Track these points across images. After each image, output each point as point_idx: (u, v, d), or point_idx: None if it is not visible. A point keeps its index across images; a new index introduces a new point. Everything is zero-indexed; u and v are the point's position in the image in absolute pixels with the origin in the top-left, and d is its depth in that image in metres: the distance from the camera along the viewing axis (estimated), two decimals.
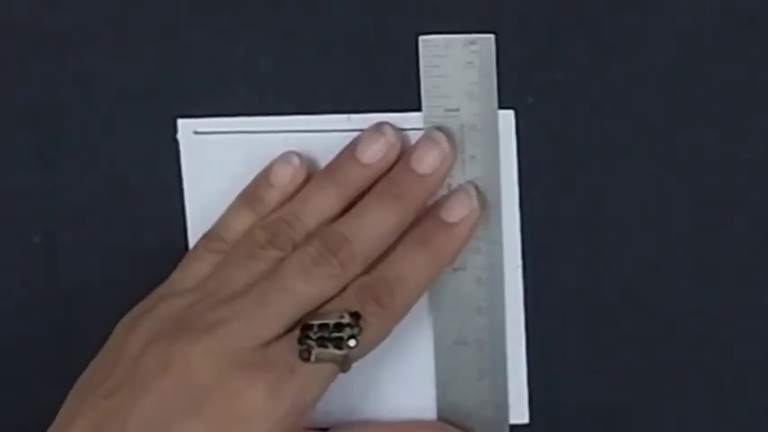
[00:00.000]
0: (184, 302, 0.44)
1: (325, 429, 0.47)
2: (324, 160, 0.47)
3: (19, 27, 0.47)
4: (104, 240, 0.48)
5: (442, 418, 0.48)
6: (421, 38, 0.46)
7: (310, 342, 0.43)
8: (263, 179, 0.47)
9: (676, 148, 0.46)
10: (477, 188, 0.46)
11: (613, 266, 0.47)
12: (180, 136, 0.48)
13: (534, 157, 0.47)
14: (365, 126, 0.47)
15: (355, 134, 0.47)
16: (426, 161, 0.46)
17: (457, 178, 0.47)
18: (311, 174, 0.47)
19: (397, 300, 0.44)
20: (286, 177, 0.47)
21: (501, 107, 0.47)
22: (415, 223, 0.46)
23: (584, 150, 0.47)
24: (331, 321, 0.43)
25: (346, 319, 0.43)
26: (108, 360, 0.44)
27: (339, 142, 0.47)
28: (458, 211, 0.46)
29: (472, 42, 0.46)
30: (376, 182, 0.46)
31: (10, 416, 0.50)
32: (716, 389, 0.48)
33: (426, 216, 0.46)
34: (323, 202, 0.46)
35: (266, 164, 0.47)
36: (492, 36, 0.46)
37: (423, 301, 0.47)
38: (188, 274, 0.46)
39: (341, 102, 0.47)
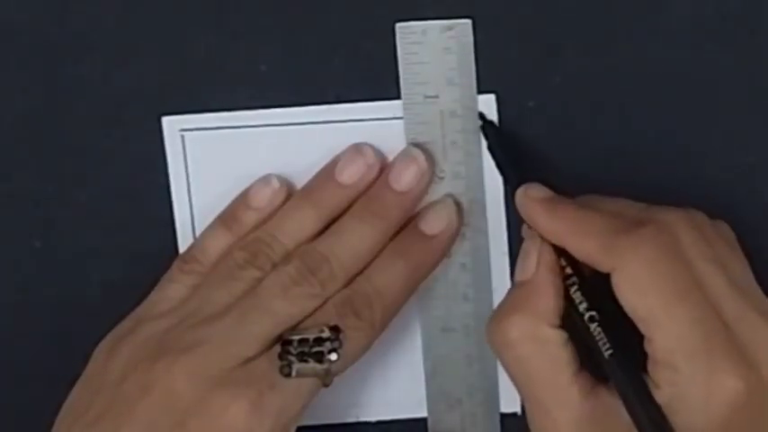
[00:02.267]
0: (163, 325, 0.44)
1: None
2: (306, 152, 0.47)
3: (18, 32, 0.47)
4: (105, 244, 0.48)
5: (431, 406, 0.48)
6: (398, 25, 0.46)
7: (291, 357, 0.42)
8: (241, 201, 0.47)
9: (677, 153, 0.47)
10: (455, 200, 0.46)
11: None
12: (165, 134, 0.47)
13: (533, 159, 0.47)
14: (347, 116, 0.47)
15: (337, 125, 0.47)
16: (404, 179, 0.45)
17: (439, 165, 0.47)
18: (290, 194, 0.47)
19: (377, 313, 0.44)
20: (264, 199, 0.46)
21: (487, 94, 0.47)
22: (393, 234, 0.46)
23: (584, 153, 0.47)
24: (311, 336, 0.43)
25: (326, 334, 0.43)
26: (90, 386, 0.44)
27: (322, 133, 0.47)
28: (436, 224, 0.46)
29: (449, 28, 0.46)
30: (355, 200, 0.46)
31: (10, 418, 0.49)
32: None
33: (405, 228, 0.46)
34: (301, 223, 0.45)
35: (245, 156, 0.47)
36: (469, 21, 0.46)
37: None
38: (164, 297, 0.46)
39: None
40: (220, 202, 0.47)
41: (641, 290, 0.40)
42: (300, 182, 0.47)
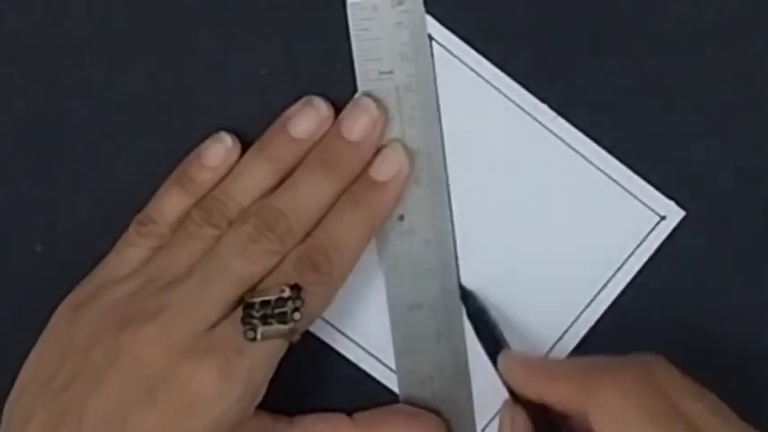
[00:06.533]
0: (126, 290, 0.43)
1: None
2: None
3: (18, 35, 0.47)
4: (105, 248, 0.47)
5: (403, 383, 0.48)
6: (349, 2, 0.46)
7: (254, 321, 0.42)
8: (193, 159, 0.46)
9: (676, 157, 0.47)
10: (403, 144, 0.46)
11: None
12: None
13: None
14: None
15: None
16: (356, 128, 0.45)
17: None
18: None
19: (336, 265, 0.44)
20: (218, 158, 0.46)
21: None
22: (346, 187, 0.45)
23: None
24: (272, 297, 0.42)
25: (287, 293, 0.42)
26: (54, 354, 0.43)
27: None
28: (387, 169, 0.45)
29: (400, 3, 0.46)
30: (309, 152, 0.45)
31: None
32: None
33: (357, 178, 0.45)
34: (255, 179, 0.45)
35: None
36: None
37: (375, 268, 0.47)
38: (123, 260, 0.45)
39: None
40: None
41: (622, 422, 0.39)
42: None
